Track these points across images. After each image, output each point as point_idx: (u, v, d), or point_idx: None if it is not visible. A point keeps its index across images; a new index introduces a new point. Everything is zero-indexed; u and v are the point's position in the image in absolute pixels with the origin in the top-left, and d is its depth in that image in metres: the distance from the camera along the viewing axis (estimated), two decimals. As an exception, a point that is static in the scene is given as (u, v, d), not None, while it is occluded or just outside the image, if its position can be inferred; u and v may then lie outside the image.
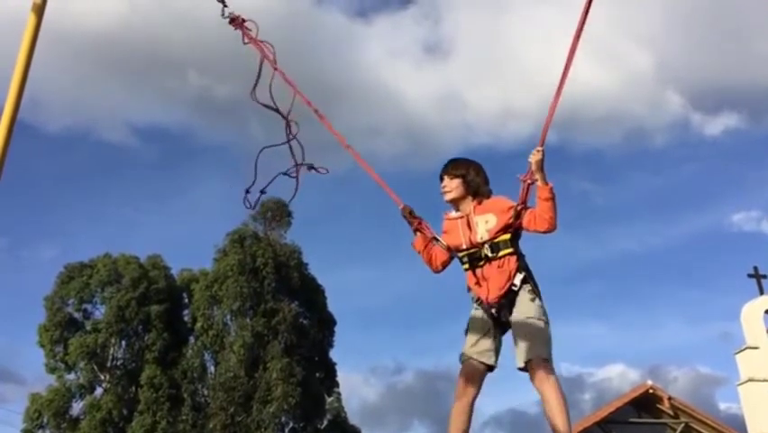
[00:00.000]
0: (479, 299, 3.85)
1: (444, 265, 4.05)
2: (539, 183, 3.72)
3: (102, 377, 26.64)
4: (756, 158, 54.06)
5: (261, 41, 4.20)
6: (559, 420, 3.48)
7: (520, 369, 3.68)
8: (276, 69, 4.16)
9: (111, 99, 44.94)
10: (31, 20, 3.64)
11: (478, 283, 3.84)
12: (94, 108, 46.16)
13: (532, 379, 3.61)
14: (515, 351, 3.72)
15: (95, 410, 25.25)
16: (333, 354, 28.49)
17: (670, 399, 19.97)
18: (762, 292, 18.68)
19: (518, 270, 3.79)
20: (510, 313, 3.75)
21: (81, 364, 26.37)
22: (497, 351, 3.81)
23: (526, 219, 3.80)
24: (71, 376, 26.67)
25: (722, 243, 54.42)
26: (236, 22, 4.23)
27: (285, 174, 4.09)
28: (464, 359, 3.80)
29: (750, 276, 19.04)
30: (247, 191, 4.10)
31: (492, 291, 3.77)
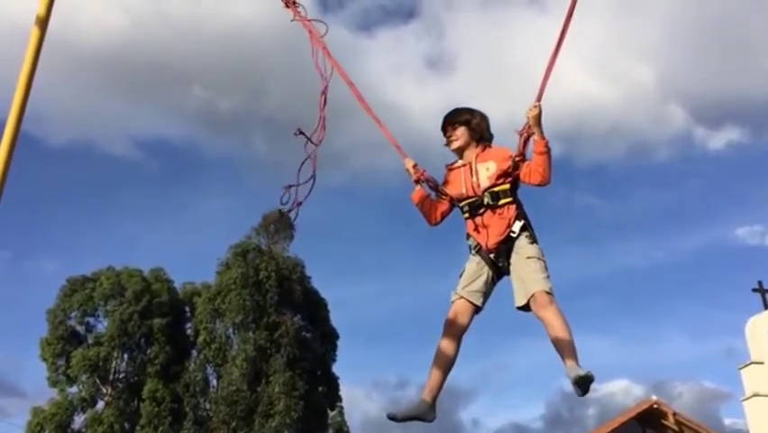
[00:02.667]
0: (477, 245, 3.94)
1: (444, 216, 4.15)
2: (536, 137, 3.80)
3: (104, 390, 26.58)
4: (760, 172, 53.85)
5: (311, 20, 4.43)
6: (564, 336, 3.57)
7: (520, 308, 3.76)
8: (314, 36, 4.34)
9: (114, 112, 45.13)
10: (34, 33, 3.66)
11: (477, 230, 3.94)
12: (97, 121, 46.36)
13: (536, 310, 3.68)
14: (515, 292, 3.81)
15: (96, 424, 25.17)
16: (336, 369, 28.49)
17: (674, 414, 19.84)
18: (766, 307, 18.58)
19: (517, 217, 3.90)
20: (508, 259, 3.86)
21: (83, 378, 26.35)
22: (486, 294, 3.91)
23: (523, 172, 3.89)
24: (73, 390, 26.67)
25: (726, 257, 54.12)
26: (288, 1, 4.44)
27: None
28: (455, 298, 3.91)
29: (754, 290, 18.97)
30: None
31: (492, 238, 3.88)
